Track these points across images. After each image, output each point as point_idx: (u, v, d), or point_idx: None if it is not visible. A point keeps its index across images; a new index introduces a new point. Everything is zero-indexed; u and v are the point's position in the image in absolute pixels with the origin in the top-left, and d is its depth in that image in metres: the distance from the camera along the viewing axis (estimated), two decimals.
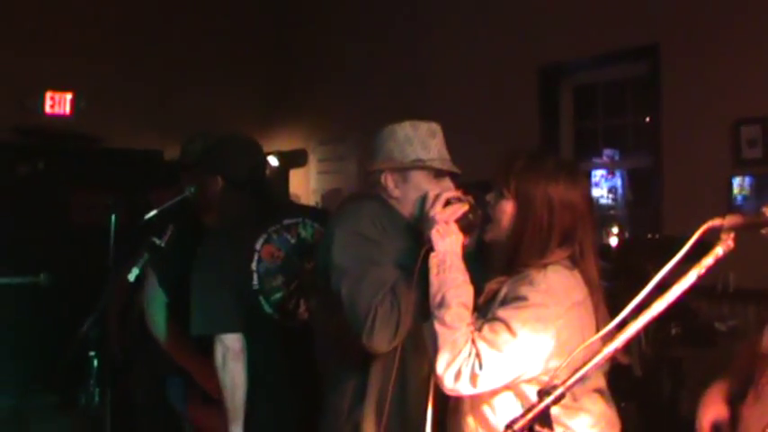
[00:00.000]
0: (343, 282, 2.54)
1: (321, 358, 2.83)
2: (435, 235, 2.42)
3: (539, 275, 2.27)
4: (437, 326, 2.24)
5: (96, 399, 3.84)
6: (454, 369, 2.17)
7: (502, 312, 2.24)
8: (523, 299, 2.23)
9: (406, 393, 2.59)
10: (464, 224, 2.49)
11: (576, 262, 2.34)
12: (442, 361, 2.18)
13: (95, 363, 3.82)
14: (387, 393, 2.51)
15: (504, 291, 2.32)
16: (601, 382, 2.37)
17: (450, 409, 2.47)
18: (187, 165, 3.88)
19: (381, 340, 2.45)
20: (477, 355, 2.16)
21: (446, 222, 2.45)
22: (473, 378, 2.16)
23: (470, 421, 2.38)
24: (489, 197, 2.43)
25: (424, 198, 2.60)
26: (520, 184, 2.34)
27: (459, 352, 2.17)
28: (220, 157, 3.46)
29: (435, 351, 2.21)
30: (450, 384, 2.19)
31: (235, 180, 3.39)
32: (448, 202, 2.52)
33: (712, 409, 2.57)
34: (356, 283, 2.50)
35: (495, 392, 2.29)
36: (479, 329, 2.22)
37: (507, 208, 2.36)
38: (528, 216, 2.32)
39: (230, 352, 3.08)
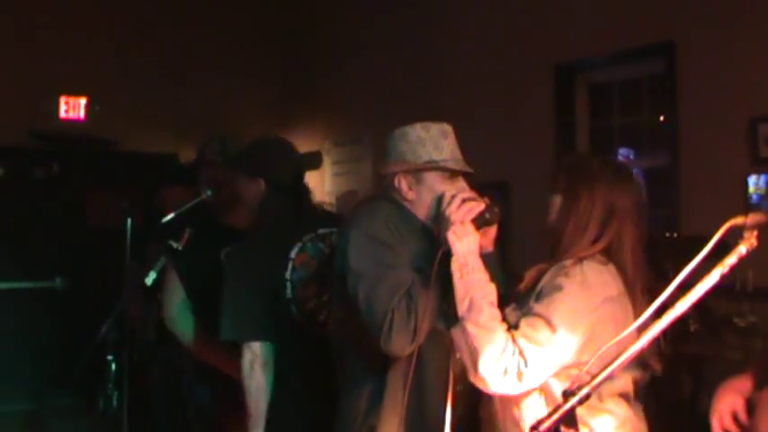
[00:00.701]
0: (359, 286, 2.53)
1: (338, 361, 2.83)
2: (452, 236, 2.42)
3: (574, 268, 2.33)
4: (472, 328, 2.25)
5: (114, 402, 3.85)
6: (500, 368, 2.19)
7: (539, 308, 2.29)
8: (559, 289, 2.29)
9: (424, 396, 2.58)
10: (480, 223, 2.49)
11: (611, 257, 2.40)
12: (486, 362, 2.20)
13: (113, 366, 3.83)
14: (404, 397, 2.50)
15: (541, 283, 2.37)
16: (628, 386, 2.38)
17: (484, 413, 2.49)
18: (207, 164, 3.88)
19: (400, 344, 2.44)
20: (521, 352, 2.20)
21: (462, 222, 2.45)
22: (519, 375, 2.20)
23: (502, 424, 2.40)
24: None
25: (440, 199, 2.59)
26: (567, 181, 2.47)
27: (503, 351, 2.20)
28: (264, 159, 3.43)
29: (476, 353, 2.22)
30: (495, 384, 2.22)
31: (278, 184, 3.36)
32: (463, 202, 2.53)
33: (728, 397, 2.56)
34: (373, 287, 2.49)
35: (524, 394, 2.31)
36: (516, 326, 2.24)
37: (555, 201, 2.47)
38: (571, 210, 2.43)
39: (258, 360, 3.08)
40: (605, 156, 6.07)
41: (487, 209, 2.51)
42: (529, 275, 2.44)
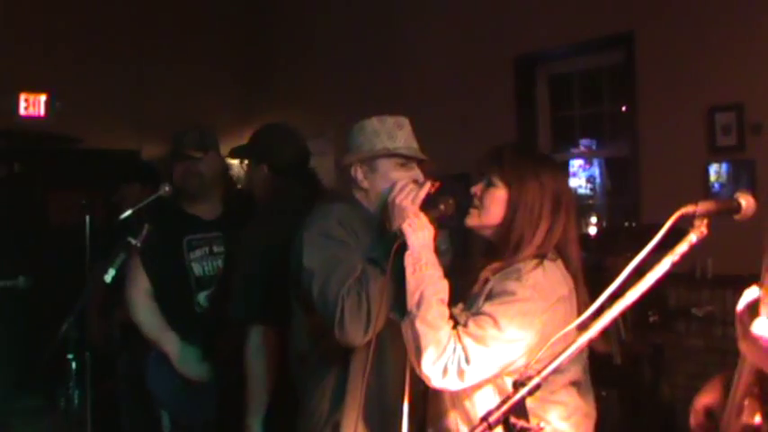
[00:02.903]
0: (313, 282, 2.55)
1: (300, 362, 2.83)
2: (407, 229, 2.42)
3: (526, 271, 2.30)
4: (419, 325, 2.24)
5: (76, 401, 3.81)
6: (440, 366, 2.18)
7: (488, 308, 2.26)
8: (511, 293, 2.26)
9: (385, 390, 2.59)
10: (435, 215, 2.50)
11: (560, 249, 2.38)
12: (428, 359, 2.20)
13: (74, 365, 3.79)
14: (364, 391, 2.51)
15: (490, 284, 2.34)
16: (578, 374, 2.38)
17: (429, 405, 2.48)
18: (184, 156, 3.84)
19: (353, 332, 2.45)
20: (464, 350, 2.18)
21: (416, 215, 2.45)
22: (460, 373, 2.18)
23: (452, 416, 2.39)
24: (476, 188, 2.45)
25: (390, 189, 2.62)
26: (513, 173, 2.38)
27: (445, 349, 2.19)
28: (266, 144, 3.44)
29: (419, 350, 2.22)
30: (437, 381, 2.21)
31: (280, 168, 3.36)
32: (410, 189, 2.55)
33: (708, 395, 2.57)
34: (325, 280, 2.52)
35: (475, 387, 2.31)
36: (465, 324, 2.23)
37: (499, 196, 2.39)
38: (520, 202, 2.36)
39: (265, 343, 3.08)
40: (566, 155, 6.17)
41: (442, 201, 2.53)
42: (483, 275, 2.40)
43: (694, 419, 2.51)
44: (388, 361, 2.58)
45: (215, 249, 3.81)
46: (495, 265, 2.38)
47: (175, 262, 3.73)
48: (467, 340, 2.20)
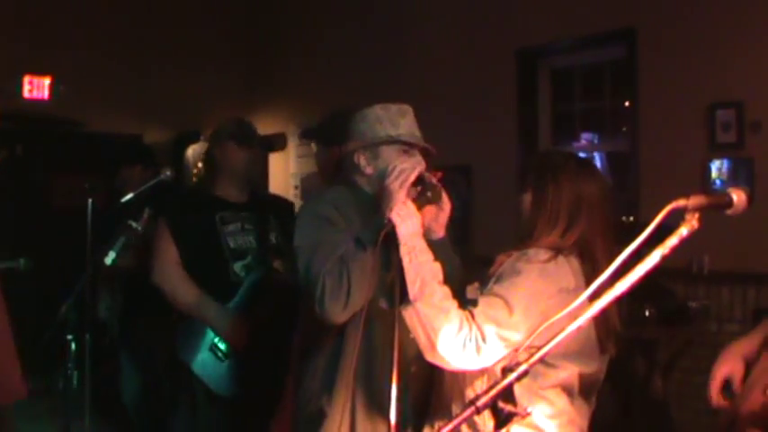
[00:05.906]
0: (299, 259, 2.61)
1: (298, 341, 2.86)
2: (396, 218, 2.46)
3: (536, 255, 2.38)
4: (427, 309, 2.28)
5: (74, 382, 3.84)
6: (459, 344, 2.23)
7: (498, 288, 2.33)
8: (518, 273, 2.33)
9: (374, 377, 2.62)
10: (422, 202, 2.54)
11: (582, 246, 2.43)
12: (445, 338, 2.23)
13: (73, 347, 3.82)
14: (352, 373, 2.56)
15: (502, 267, 2.42)
16: (572, 380, 2.40)
17: (434, 398, 2.52)
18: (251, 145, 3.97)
19: (333, 309, 2.49)
20: (479, 328, 2.24)
21: (404, 203, 2.49)
22: (478, 350, 2.23)
23: (455, 406, 2.44)
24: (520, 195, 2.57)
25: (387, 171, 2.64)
26: (534, 178, 2.52)
27: (460, 328, 2.24)
28: (340, 128, 3.47)
29: (434, 331, 2.25)
30: (455, 360, 2.25)
31: None
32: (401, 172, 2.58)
33: (727, 364, 2.59)
34: (309, 257, 2.57)
35: (474, 376, 2.35)
36: (476, 305, 2.28)
37: (526, 198, 2.52)
38: (540, 203, 2.48)
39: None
40: (567, 149, 6.18)
41: (430, 188, 2.57)
42: (500, 258, 2.48)
43: (713, 388, 2.53)
44: (378, 348, 2.61)
45: (246, 226, 3.88)
46: (512, 251, 2.47)
47: (209, 235, 3.79)
48: (480, 319, 2.25)
